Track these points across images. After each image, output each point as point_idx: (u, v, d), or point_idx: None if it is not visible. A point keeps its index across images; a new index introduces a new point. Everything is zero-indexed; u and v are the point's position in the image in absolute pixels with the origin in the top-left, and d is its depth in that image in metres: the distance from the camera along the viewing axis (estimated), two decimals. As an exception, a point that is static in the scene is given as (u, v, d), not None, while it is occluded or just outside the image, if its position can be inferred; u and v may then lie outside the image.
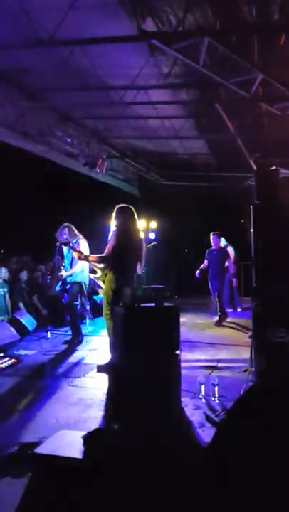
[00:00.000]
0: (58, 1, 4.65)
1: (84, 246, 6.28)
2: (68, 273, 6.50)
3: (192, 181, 12.06)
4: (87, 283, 6.68)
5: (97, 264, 5.41)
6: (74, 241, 6.27)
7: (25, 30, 5.10)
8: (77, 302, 6.72)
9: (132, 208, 5.16)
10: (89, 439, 2.70)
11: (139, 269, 5.27)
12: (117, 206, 5.17)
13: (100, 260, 5.16)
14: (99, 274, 5.28)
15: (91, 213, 9.54)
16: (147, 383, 3.46)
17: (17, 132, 7.44)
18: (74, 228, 6.45)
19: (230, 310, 9.74)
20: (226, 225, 11.46)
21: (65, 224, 6.46)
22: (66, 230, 6.39)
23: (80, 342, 6.50)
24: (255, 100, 6.50)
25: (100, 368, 4.91)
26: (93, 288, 8.34)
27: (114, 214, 5.14)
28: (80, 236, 6.43)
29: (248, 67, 5.58)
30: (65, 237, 6.34)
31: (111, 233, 5.09)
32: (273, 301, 4.33)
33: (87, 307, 7.47)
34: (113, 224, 5.14)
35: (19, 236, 9.71)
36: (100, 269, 5.29)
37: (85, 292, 6.71)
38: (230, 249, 9.64)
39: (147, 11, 4.90)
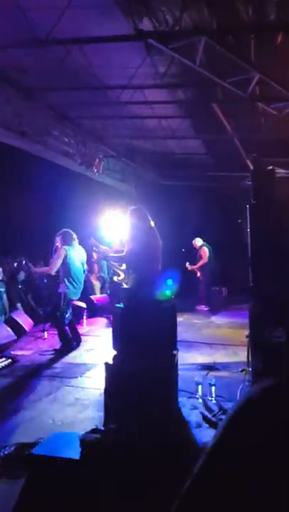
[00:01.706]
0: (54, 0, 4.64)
1: (63, 254, 6.03)
2: (38, 270, 6.39)
3: (189, 181, 12.06)
4: (73, 297, 6.23)
5: (118, 266, 5.33)
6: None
7: (21, 29, 5.08)
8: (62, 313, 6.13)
9: (144, 209, 5.08)
10: (86, 439, 2.70)
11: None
12: (130, 208, 5.08)
13: (119, 260, 5.12)
14: (122, 276, 5.23)
15: (89, 213, 9.53)
16: (144, 383, 3.45)
17: (14, 132, 7.41)
18: (70, 235, 6.20)
19: (206, 308, 9.87)
20: (223, 225, 11.51)
21: (61, 231, 6.27)
22: (58, 238, 6.18)
23: (70, 350, 6.13)
24: (252, 100, 6.50)
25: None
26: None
27: (128, 216, 5.06)
28: (75, 243, 6.22)
29: (245, 66, 5.58)
30: (57, 244, 6.16)
31: (127, 235, 5.01)
32: (270, 300, 4.33)
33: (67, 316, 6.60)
34: (127, 226, 5.06)
35: (17, 236, 9.68)
36: (122, 271, 5.23)
37: (61, 304, 6.06)
38: (205, 250, 10.14)
39: (144, 11, 4.89)
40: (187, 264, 10.16)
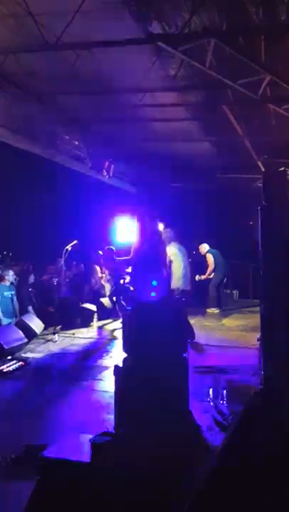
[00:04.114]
0: (64, 4, 4.67)
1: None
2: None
3: (199, 183, 12.03)
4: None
5: (125, 269, 5.41)
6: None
7: (32, 33, 5.12)
8: None
9: (153, 211, 5.12)
10: (96, 442, 2.69)
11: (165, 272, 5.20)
12: (138, 210, 5.14)
13: (125, 263, 5.18)
14: (128, 279, 5.29)
15: (98, 215, 9.57)
16: (155, 386, 3.44)
17: (25, 136, 7.47)
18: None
19: (216, 310, 9.78)
20: (235, 227, 11.46)
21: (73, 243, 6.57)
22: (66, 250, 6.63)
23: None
24: (263, 101, 6.47)
25: None
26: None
27: (136, 218, 5.11)
28: None
29: (256, 68, 5.55)
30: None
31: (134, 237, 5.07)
32: (282, 303, 4.28)
33: None
34: (136, 227, 5.12)
35: (27, 239, 9.75)
36: (128, 274, 5.28)
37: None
38: (210, 256, 10.18)
39: (153, 14, 4.90)
40: (197, 276, 10.08)
